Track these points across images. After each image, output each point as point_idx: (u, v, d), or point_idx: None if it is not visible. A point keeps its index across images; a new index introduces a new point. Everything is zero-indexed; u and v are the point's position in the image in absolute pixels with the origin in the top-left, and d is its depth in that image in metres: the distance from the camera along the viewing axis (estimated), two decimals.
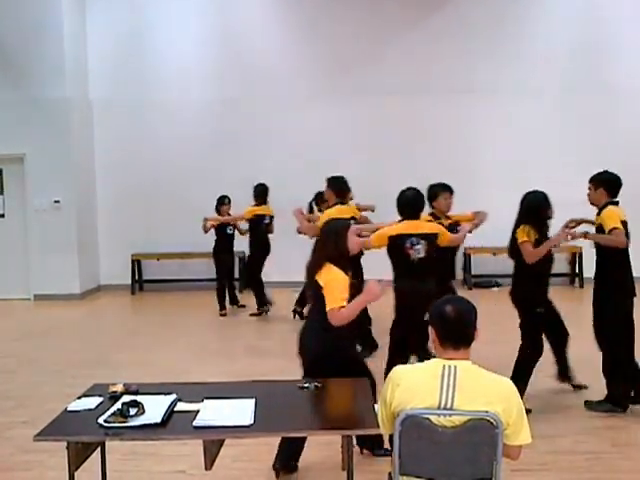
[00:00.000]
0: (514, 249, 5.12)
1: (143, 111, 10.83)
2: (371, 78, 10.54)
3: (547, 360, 5.43)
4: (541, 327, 5.22)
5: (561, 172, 9.85)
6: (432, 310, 2.71)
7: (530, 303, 5.13)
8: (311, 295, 3.91)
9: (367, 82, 10.54)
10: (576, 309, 8.73)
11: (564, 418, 5.00)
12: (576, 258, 10.47)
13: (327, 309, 3.73)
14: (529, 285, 5.12)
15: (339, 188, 6.99)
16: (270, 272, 9.08)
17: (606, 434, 4.70)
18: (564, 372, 5.57)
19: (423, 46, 10.56)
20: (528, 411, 5.01)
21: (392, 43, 10.61)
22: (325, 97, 10.61)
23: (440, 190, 6.14)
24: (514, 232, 5.10)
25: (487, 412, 2.50)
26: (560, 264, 10.08)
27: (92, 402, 3.13)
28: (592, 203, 5.19)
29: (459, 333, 2.62)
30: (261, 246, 8.80)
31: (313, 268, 3.88)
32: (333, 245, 3.93)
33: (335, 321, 3.72)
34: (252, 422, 2.89)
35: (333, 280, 3.79)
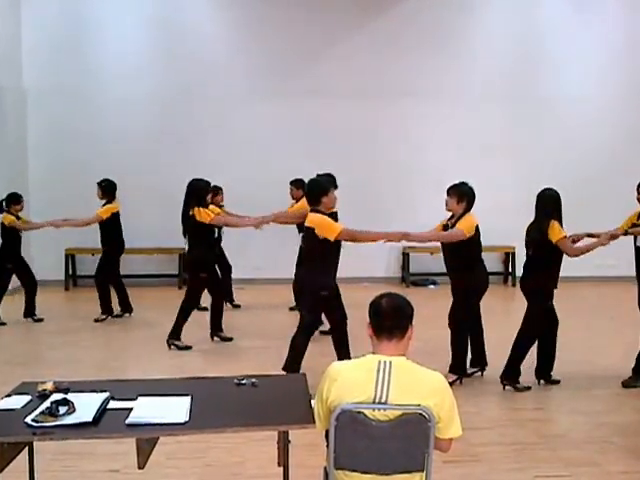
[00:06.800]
0: (535, 242, 5.32)
1: (79, 100, 10.52)
2: (316, 80, 10.55)
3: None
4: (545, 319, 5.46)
5: (495, 175, 10.27)
6: (369, 305, 2.75)
7: (541, 295, 5.40)
8: None
9: (313, 83, 10.53)
10: (509, 307, 9.03)
11: (493, 411, 5.18)
12: (509, 258, 10.70)
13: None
14: (543, 279, 5.37)
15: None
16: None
17: (531, 426, 4.87)
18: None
19: (368, 50, 10.61)
20: (557, 382, 5.43)
21: (336, 46, 10.61)
22: (270, 97, 10.53)
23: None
24: (541, 228, 5.25)
25: (420, 406, 2.54)
26: (494, 263, 10.33)
27: (19, 401, 3.02)
28: None
29: (391, 323, 2.65)
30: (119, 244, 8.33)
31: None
32: None
33: None
34: (187, 419, 2.86)
35: None
